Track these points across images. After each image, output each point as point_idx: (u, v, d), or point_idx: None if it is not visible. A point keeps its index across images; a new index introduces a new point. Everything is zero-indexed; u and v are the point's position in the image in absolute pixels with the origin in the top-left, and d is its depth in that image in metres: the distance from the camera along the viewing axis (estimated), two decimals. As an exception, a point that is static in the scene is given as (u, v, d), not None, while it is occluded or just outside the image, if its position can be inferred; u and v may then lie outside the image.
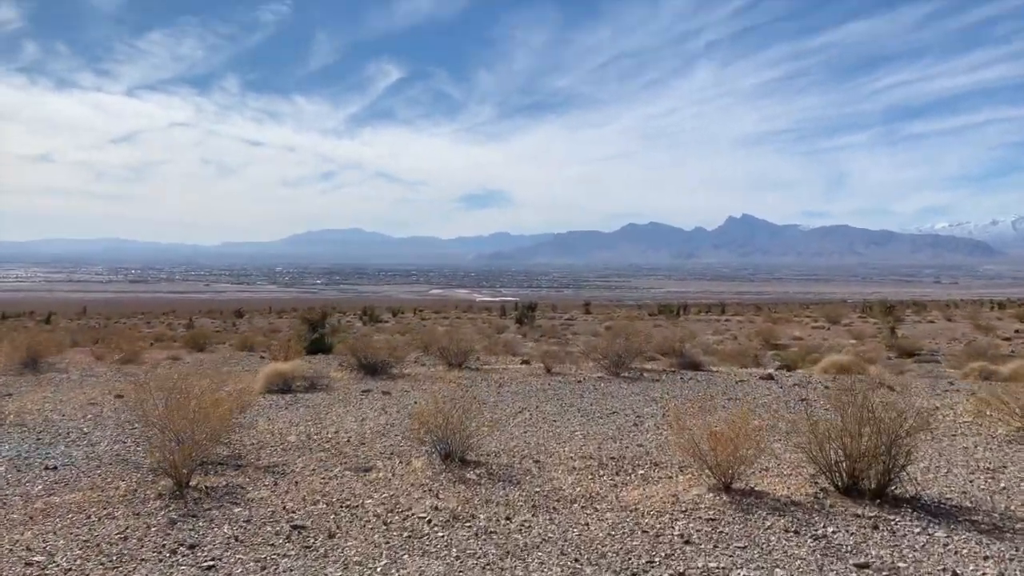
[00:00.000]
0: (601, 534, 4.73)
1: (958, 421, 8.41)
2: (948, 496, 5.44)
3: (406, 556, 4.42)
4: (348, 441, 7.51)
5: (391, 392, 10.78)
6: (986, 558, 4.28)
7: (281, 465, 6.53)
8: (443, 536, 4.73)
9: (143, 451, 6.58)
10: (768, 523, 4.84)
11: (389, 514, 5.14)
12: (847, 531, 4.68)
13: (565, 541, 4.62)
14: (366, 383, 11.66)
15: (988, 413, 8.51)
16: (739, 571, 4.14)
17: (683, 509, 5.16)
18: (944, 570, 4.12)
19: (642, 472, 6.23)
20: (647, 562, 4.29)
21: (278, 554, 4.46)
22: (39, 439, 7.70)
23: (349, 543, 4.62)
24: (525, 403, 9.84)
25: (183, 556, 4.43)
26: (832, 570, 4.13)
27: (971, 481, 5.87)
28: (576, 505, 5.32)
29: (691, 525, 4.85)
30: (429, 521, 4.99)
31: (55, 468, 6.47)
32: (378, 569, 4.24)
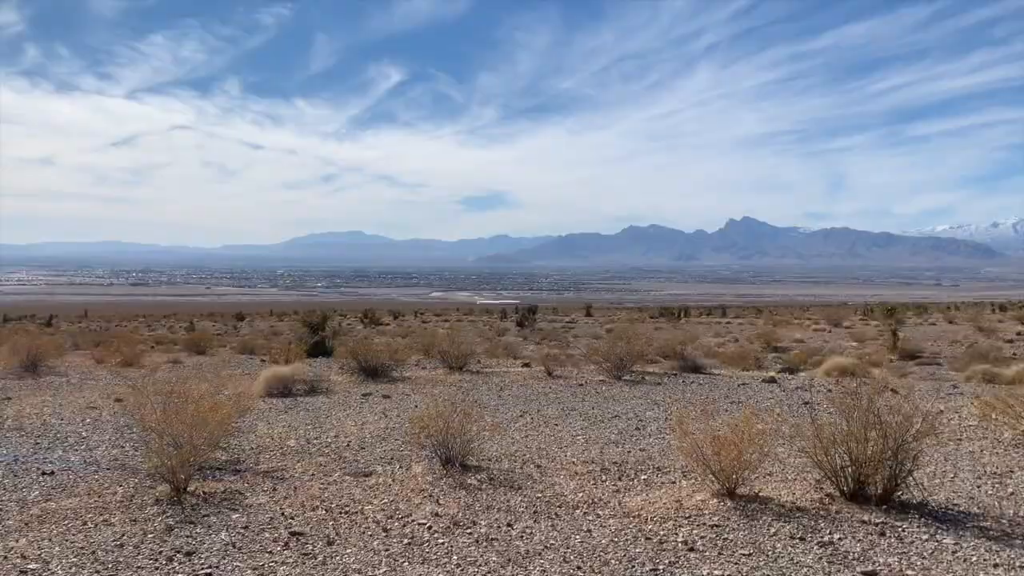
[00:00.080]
0: (604, 541, 4.66)
1: (963, 425, 8.33)
2: (955, 502, 5.36)
3: (406, 564, 4.35)
4: (348, 446, 7.45)
5: (391, 395, 10.72)
6: (996, 565, 4.20)
7: (280, 470, 6.47)
8: (444, 543, 4.67)
9: (141, 456, 6.51)
10: (773, 529, 4.77)
11: (389, 520, 5.08)
12: (854, 538, 4.61)
13: (567, 548, 4.55)
14: (366, 386, 11.60)
15: (993, 417, 8.43)
16: (744, 579, 4.07)
17: (687, 515, 5.08)
18: (953, 578, 4.05)
19: (645, 477, 6.16)
20: (651, 570, 4.22)
21: (276, 561, 4.40)
22: (37, 443, 7.64)
23: (348, 550, 4.55)
24: (526, 407, 9.77)
25: (179, 563, 4.37)
26: (839, 578, 4.06)
27: (978, 486, 5.79)
28: (578, 511, 5.26)
29: (695, 532, 4.78)
30: (429, 528, 4.93)
31: (52, 473, 6.41)
32: (377, 577, 4.17)
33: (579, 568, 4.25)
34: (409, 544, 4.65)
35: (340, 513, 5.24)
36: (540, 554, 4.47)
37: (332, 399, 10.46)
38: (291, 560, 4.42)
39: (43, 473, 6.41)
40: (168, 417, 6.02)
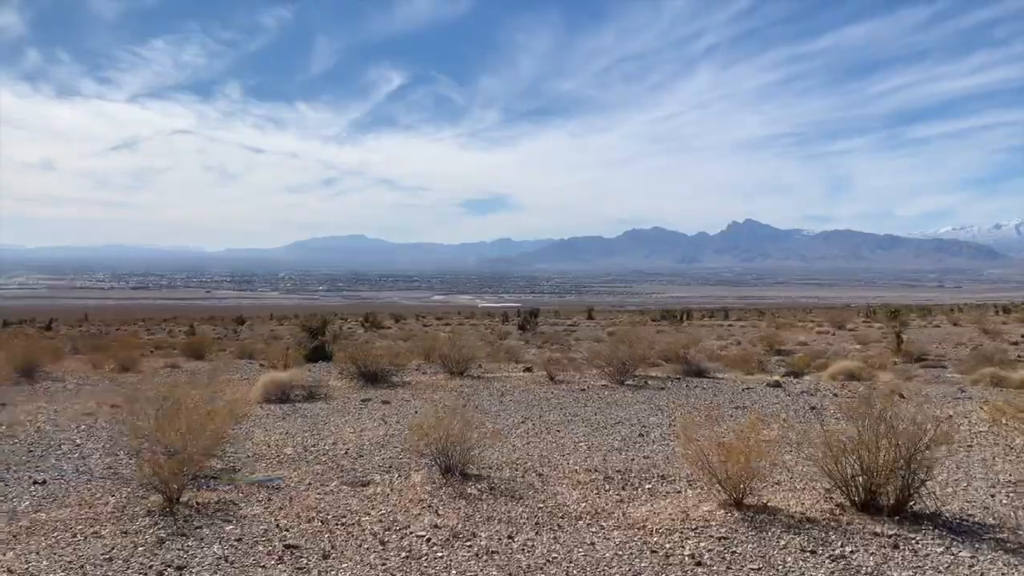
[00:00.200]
0: (608, 554, 4.51)
1: (973, 430, 8.17)
2: (970, 512, 5.20)
3: (403, 579, 4.21)
4: (346, 453, 7.30)
5: (391, 401, 10.57)
6: (1015, 580, 4.06)
7: (276, 478, 6.32)
8: (442, 556, 4.52)
9: (135, 464, 6.38)
10: (783, 542, 4.62)
11: (386, 532, 4.93)
12: (866, 551, 4.45)
13: (570, 562, 4.40)
14: (366, 392, 11.45)
15: (1004, 422, 8.29)
16: (754, 595, 3.92)
17: (693, 527, 4.93)
18: (971, 594, 3.90)
19: (649, 486, 6.01)
20: (657, 585, 4.08)
21: (269, 576, 4.26)
22: (30, 451, 7.51)
23: (344, 564, 4.41)
24: (528, 412, 9.63)
25: (169, 579, 4.23)
26: (852, 594, 3.92)
27: (992, 495, 5.63)
28: (581, 522, 5.11)
29: (702, 544, 4.63)
30: (428, 540, 4.78)
31: (44, 482, 6.28)
32: (374, 593, 4.03)
33: (582, 583, 4.11)
34: (407, 558, 4.50)
35: (336, 525, 5.09)
36: (542, 568, 4.33)
37: (331, 405, 10.32)
38: (285, 575, 4.27)
39: (35, 482, 6.27)
40: (161, 425, 5.89)
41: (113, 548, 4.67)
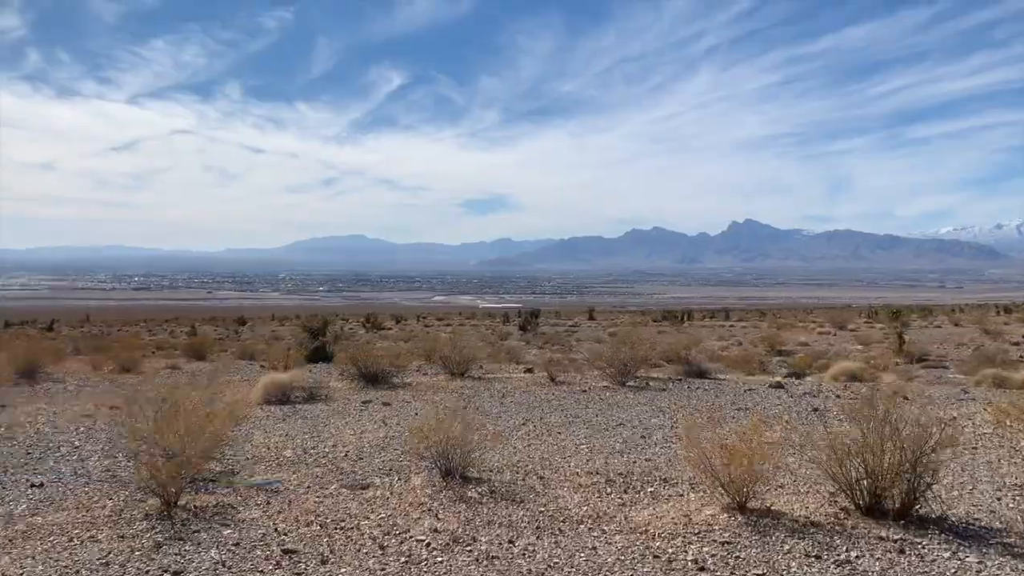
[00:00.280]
0: (610, 559, 4.45)
1: (978, 432, 8.11)
2: (976, 516, 5.14)
3: (403, 584, 4.15)
4: (346, 456, 7.25)
5: (391, 403, 10.52)
6: (1023, 586, 4.00)
7: (275, 482, 6.27)
8: (442, 561, 4.46)
9: (134, 467, 6.32)
10: (787, 547, 4.56)
11: (386, 537, 4.88)
12: (872, 556, 4.39)
13: (572, 568, 4.35)
14: (366, 393, 11.40)
15: (1008, 424, 8.22)
16: (758, 601, 3.87)
17: (696, 531, 4.87)
18: (979, 600, 3.84)
19: (651, 489, 5.95)
20: (660, 591, 4.02)
21: (267, 582, 4.20)
22: (28, 453, 7.46)
23: (342, 570, 4.35)
24: (529, 414, 9.57)
25: (166, 584, 4.18)
26: (858, 600, 3.86)
27: (998, 499, 5.57)
28: (583, 526, 5.05)
29: (705, 549, 4.57)
30: (428, 545, 4.72)
31: (41, 485, 6.23)
32: (373, 599, 3.98)
33: (584, 589, 4.06)
34: (406, 563, 4.45)
35: (335, 529, 5.04)
36: (543, 574, 4.27)
37: (331, 406, 10.27)
38: (283, 580, 4.22)
39: (32, 485, 6.22)
40: (159, 427, 5.84)
41: (109, 553, 4.61)
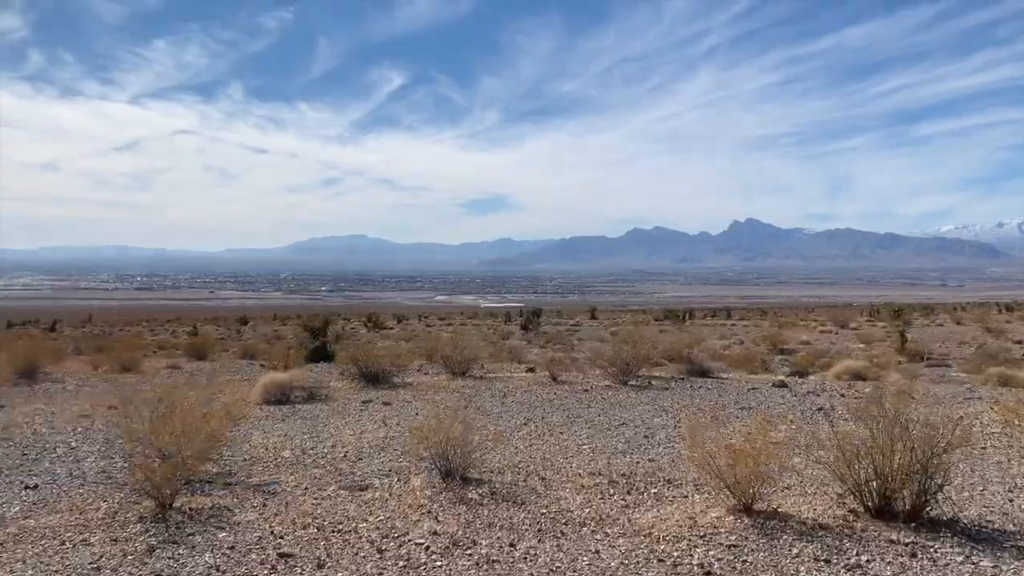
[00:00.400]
0: (613, 563, 4.34)
1: (986, 432, 7.99)
2: (989, 518, 5.02)
3: (401, 589, 4.05)
4: (345, 456, 7.15)
5: (392, 403, 10.42)
6: (1039, 590, 3.88)
7: (272, 483, 6.16)
8: (441, 565, 4.36)
9: (129, 468, 6.23)
10: (796, 550, 4.44)
11: (384, 540, 4.77)
12: (883, 560, 4.28)
13: (574, 572, 4.24)
14: (367, 393, 11.30)
15: (1017, 423, 8.11)
16: (767, 607, 3.75)
17: (701, 534, 4.76)
18: (994, 605, 3.72)
19: (655, 491, 5.84)
20: (665, 596, 3.91)
21: (262, 587, 4.10)
22: (24, 454, 7.36)
23: (339, 574, 4.25)
24: (531, 414, 9.46)
25: (159, 589, 4.08)
26: (870, 605, 3.74)
27: (1011, 500, 5.45)
28: (585, 529, 4.94)
29: (711, 552, 4.46)
30: (427, 548, 4.61)
31: (36, 487, 6.13)
32: (370, 605, 3.87)
33: (588, 594, 3.95)
34: (404, 567, 4.34)
35: (333, 532, 4.93)
36: (545, 578, 4.16)
37: (331, 406, 10.16)
38: (278, 585, 4.12)
39: (26, 487, 6.13)
40: (155, 428, 5.74)
41: (101, 557, 4.51)
